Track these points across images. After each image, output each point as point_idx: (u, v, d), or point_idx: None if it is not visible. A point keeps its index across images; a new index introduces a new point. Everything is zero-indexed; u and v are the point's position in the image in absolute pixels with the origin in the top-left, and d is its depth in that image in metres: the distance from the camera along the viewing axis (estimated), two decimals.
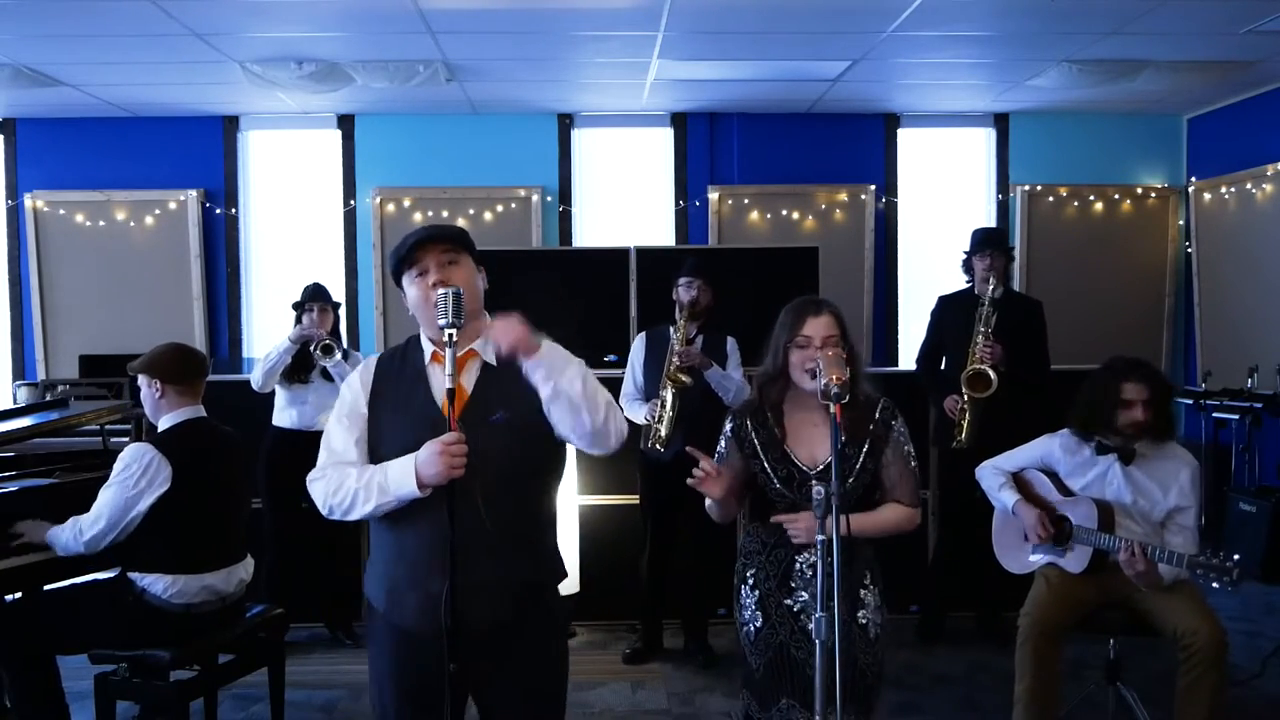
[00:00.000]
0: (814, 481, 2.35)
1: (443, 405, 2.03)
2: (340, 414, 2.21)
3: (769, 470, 2.50)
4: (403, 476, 2.01)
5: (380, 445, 2.14)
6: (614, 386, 4.46)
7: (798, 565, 2.48)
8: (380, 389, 2.18)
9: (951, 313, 4.69)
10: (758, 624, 2.50)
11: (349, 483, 2.09)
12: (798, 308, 2.54)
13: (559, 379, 2.01)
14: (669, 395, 4.16)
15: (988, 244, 4.58)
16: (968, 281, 4.74)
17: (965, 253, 4.71)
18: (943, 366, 4.72)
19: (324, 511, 2.15)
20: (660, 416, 4.18)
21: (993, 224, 7.27)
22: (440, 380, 2.10)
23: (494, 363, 2.14)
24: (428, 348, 2.18)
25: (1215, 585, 2.88)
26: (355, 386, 2.21)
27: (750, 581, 2.55)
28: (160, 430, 3.23)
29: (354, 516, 2.11)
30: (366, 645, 2.31)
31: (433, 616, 2.00)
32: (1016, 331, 4.46)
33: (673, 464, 4.21)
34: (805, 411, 2.51)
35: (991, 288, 4.41)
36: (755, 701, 2.53)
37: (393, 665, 2.16)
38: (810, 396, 2.42)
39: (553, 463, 2.21)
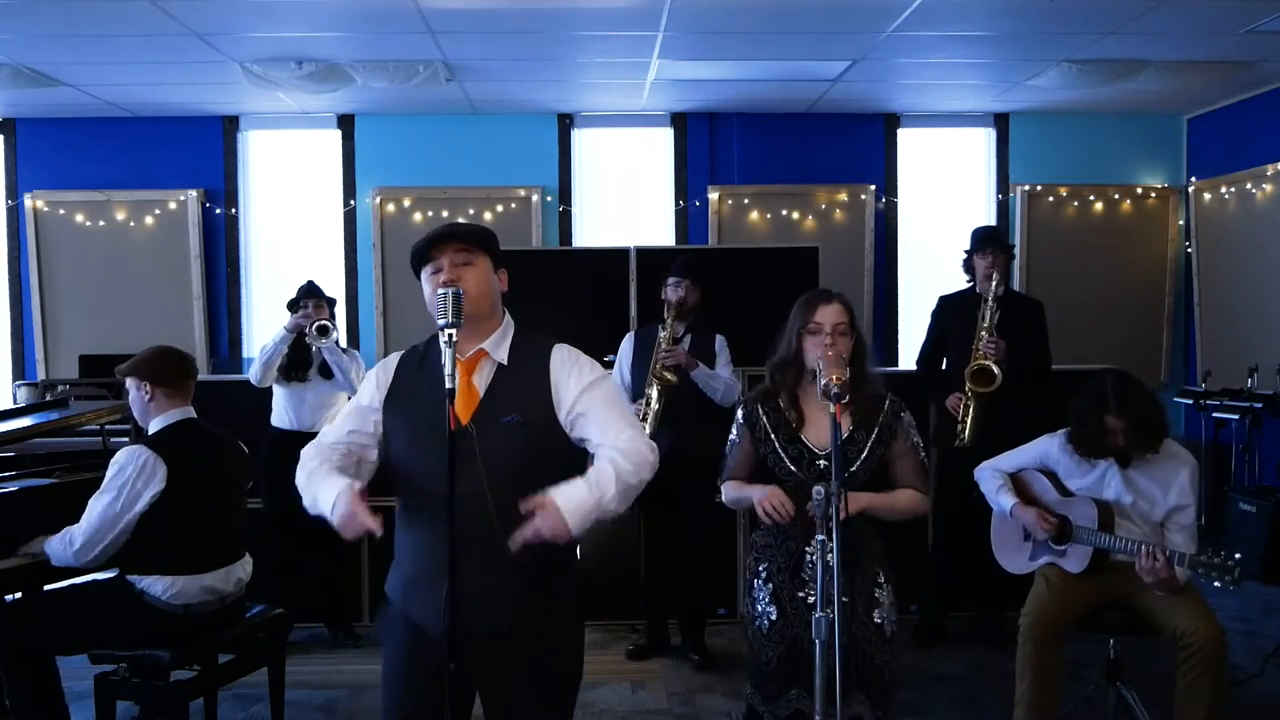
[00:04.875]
0: (816, 485, 2.37)
1: (449, 408, 2.02)
2: (354, 401, 2.26)
3: (779, 451, 2.56)
4: (325, 505, 2.04)
5: (391, 440, 2.18)
6: None
7: (807, 558, 2.51)
8: (399, 385, 2.20)
9: (953, 312, 4.71)
10: (772, 617, 2.54)
11: (306, 472, 2.14)
12: (809, 298, 2.64)
13: (598, 517, 2.01)
14: (654, 393, 4.20)
15: (989, 242, 4.60)
16: (968, 281, 4.75)
17: (966, 252, 4.72)
18: (944, 367, 4.72)
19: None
20: (645, 414, 4.19)
21: (993, 224, 7.27)
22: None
23: (505, 363, 2.16)
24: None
25: (1216, 584, 2.89)
26: (373, 380, 2.25)
27: (763, 575, 2.58)
28: (151, 432, 3.22)
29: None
30: (379, 644, 2.31)
31: (442, 616, 2.00)
32: (1018, 330, 4.47)
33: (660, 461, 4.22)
34: (817, 397, 2.54)
35: (994, 285, 4.43)
36: (761, 695, 2.54)
37: (404, 659, 2.17)
38: None
39: (566, 465, 2.14)
